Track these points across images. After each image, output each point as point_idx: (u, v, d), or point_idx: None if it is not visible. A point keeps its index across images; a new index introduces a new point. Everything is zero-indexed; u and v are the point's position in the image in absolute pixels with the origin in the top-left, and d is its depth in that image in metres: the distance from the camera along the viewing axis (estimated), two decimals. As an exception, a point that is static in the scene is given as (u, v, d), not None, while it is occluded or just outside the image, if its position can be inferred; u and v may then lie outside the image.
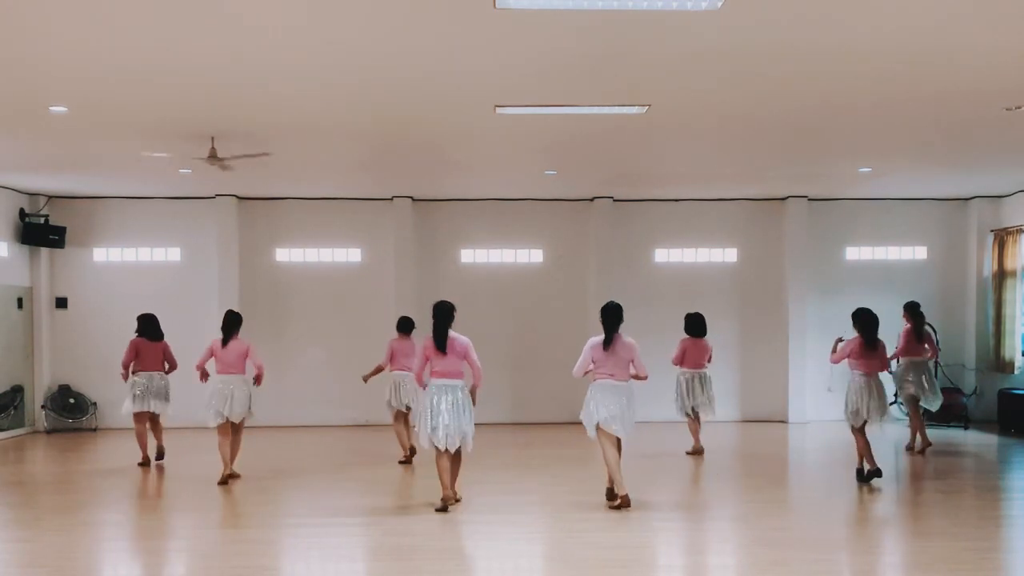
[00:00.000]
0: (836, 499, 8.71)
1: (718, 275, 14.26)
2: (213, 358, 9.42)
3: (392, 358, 10.27)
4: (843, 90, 7.44)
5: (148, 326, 10.41)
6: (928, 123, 8.78)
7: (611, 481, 8.09)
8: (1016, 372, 13.11)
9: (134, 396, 10.27)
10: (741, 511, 8.22)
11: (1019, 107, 7.95)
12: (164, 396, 10.40)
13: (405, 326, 10.46)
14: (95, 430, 13.40)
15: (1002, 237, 13.45)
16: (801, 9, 5.51)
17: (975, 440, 12.25)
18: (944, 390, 13.42)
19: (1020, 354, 13.06)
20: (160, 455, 10.62)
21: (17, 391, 12.93)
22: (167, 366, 10.50)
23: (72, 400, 13.44)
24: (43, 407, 13.30)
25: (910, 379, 11.06)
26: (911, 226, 14.28)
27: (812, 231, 14.10)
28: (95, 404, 13.46)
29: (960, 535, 7.11)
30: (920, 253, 14.34)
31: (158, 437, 10.61)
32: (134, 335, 10.41)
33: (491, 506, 8.21)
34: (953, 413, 13.34)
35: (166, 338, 10.57)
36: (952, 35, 6.00)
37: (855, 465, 9.33)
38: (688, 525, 7.89)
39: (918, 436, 11.02)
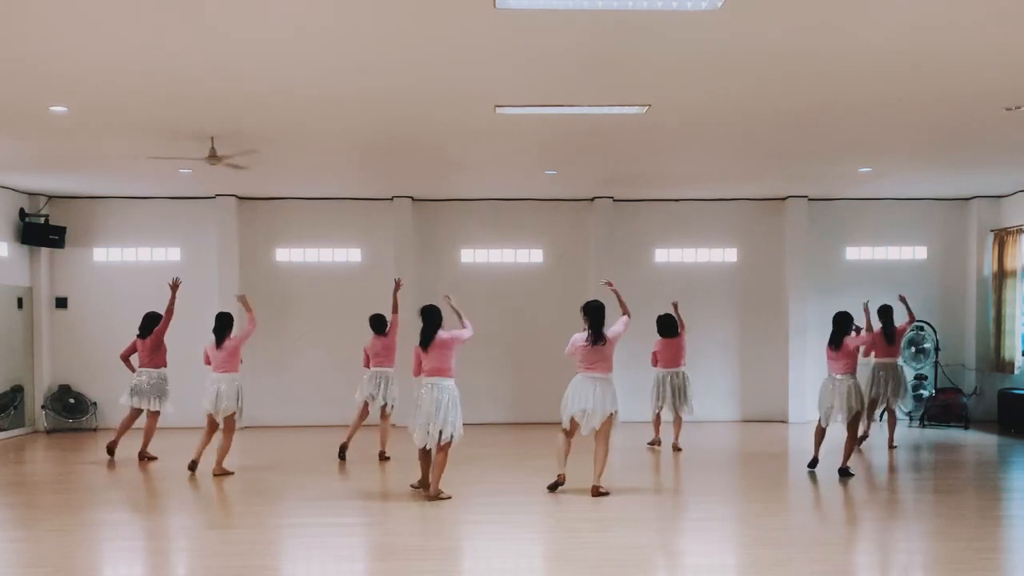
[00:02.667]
0: (836, 499, 8.71)
1: (718, 275, 14.26)
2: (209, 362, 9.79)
3: (367, 359, 10.76)
4: (843, 90, 7.43)
5: (143, 324, 10.76)
6: (928, 123, 8.78)
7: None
8: (1016, 372, 13.10)
9: (129, 391, 10.62)
10: (741, 511, 8.22)
11: (1019, 107, 7.95)
12: (158, 392, 10.55)
13: (377, 325, 10.82)
14: (95, 430, 13.39)
15: (1002, 237, 13.45)
16: (801, 9, 5.51)
17: (975, 440, 12.24)
18: (944, 390, 13.57)
19: (1020, 354, 13.06)
20: (140, 455, 10.61)
21: (17, 391, 12.93)
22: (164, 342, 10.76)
23: (72, 400, 13.43)
24: (43, 407, 13.29)
25: (875, 381, 11.24)
26: (911, 226, 14.28)
27: (812, 231, 14.09)
28: (95, 404, 13.46)
29: (960, 535, 7.12)
30: (920, 253, 14.33)
31: (145, 438, 10.65)
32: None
33: (491, 506, 8.21)
34: (953, 413, 13.36)
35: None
36: (952, 35, 6.00)
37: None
38: (688, 525, 7.90)
39: (891, 434, 11.38)
